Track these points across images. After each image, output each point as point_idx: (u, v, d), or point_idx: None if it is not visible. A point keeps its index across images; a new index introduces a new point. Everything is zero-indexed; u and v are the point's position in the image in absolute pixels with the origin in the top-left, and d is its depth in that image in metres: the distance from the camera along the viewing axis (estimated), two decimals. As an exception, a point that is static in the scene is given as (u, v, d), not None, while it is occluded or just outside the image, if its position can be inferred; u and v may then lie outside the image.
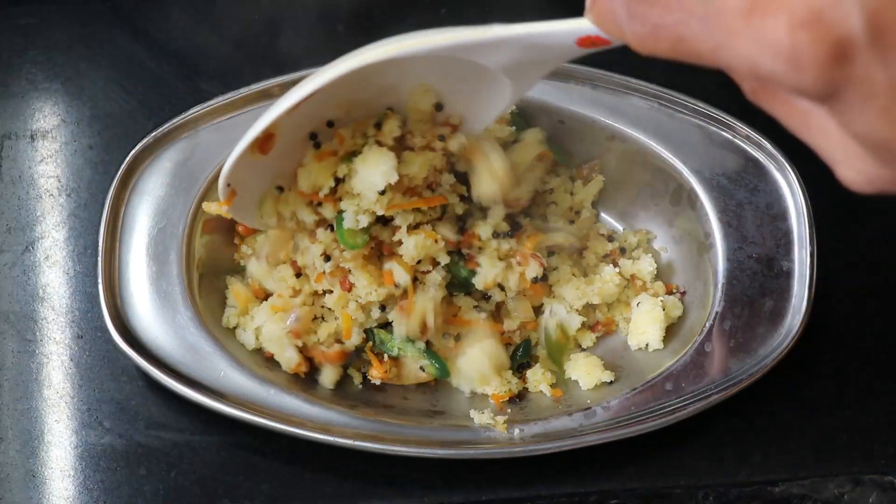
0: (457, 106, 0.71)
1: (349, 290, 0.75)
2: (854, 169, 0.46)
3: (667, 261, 0.83)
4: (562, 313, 0.79)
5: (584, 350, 0.81)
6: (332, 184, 0.71)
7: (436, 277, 0.75)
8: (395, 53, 0.61)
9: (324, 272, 0.75)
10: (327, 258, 0.75)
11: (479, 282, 0.76)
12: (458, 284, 0.77)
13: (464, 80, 0.67)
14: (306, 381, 0.78)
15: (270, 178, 0.73)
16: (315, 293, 0.78)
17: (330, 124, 0.72)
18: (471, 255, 0.76)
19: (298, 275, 0.78)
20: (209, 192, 0.79)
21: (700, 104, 0.81)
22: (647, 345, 0.79)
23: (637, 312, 0.80)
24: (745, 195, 0.80)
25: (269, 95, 0.81)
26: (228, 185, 0.70)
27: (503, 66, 0.64)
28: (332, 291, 0.76)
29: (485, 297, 0.79)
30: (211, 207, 0.73)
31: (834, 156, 0.46)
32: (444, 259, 0.75)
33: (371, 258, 0.75)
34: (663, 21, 0.45)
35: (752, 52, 0.41)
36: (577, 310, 0.79)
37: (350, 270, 0.75)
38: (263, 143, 0.69)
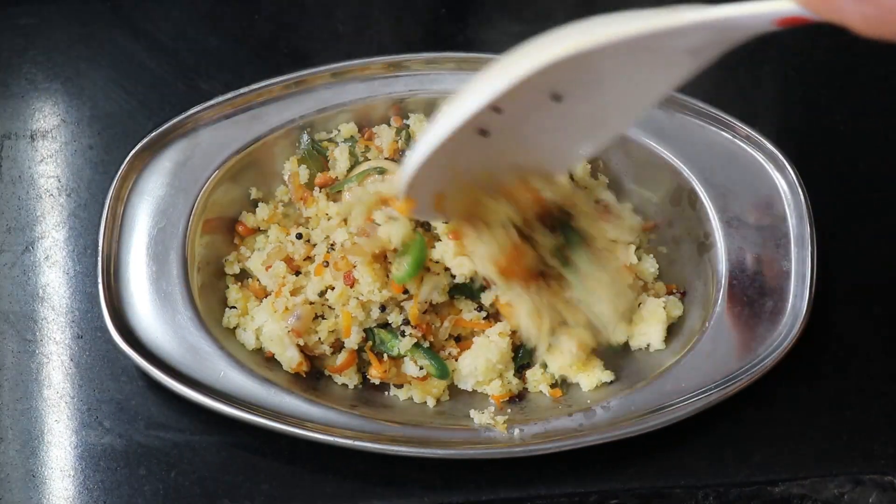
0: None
1: (351, 286, 0.75)
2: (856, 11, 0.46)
3: (667, 261, 0.83)
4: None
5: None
6: None
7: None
8: (597, 43, 0.56)
9: (325, 265, 0.75)
10: (332, 246, 0.75)
11: (488, 298, 0.77)
12: (460, 288, 0.77)
13: (639, 66, 0.63)
14: (306, 381, 0.78)
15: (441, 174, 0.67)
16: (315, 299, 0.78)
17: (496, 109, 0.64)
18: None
19: (298, 272, 0.78)
20: (209, 191, 0.80)
21: (700, 104, 0.82)
22: (648, 345, 0.79)
23: (638, 313, 0.80)
24: (745, 195, 0.80)
25: (270, 95, 0.81)
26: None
27: (688, 48, 0.62)
28: (333, 288, 0.76)
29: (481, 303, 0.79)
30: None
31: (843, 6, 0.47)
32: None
33: (378, 257, 0.75)
34: None
35: None
36: None
37: (355, 266, 0.75)
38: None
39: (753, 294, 0.78)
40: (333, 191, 0.80)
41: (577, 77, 0.60)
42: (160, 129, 0.80)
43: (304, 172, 0.81)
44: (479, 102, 0.58)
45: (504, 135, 0.65)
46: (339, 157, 0.81)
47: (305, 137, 0.82)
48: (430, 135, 0.61)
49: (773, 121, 0.85)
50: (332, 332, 0.77)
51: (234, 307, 0.79)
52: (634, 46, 0.58)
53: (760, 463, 0.78)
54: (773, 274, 0.79)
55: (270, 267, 0.78)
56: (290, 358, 0.76)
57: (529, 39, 0.58)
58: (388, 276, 0.75)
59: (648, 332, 0.79)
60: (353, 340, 0.76)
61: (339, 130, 0.83)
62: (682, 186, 0.81)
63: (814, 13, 0.51)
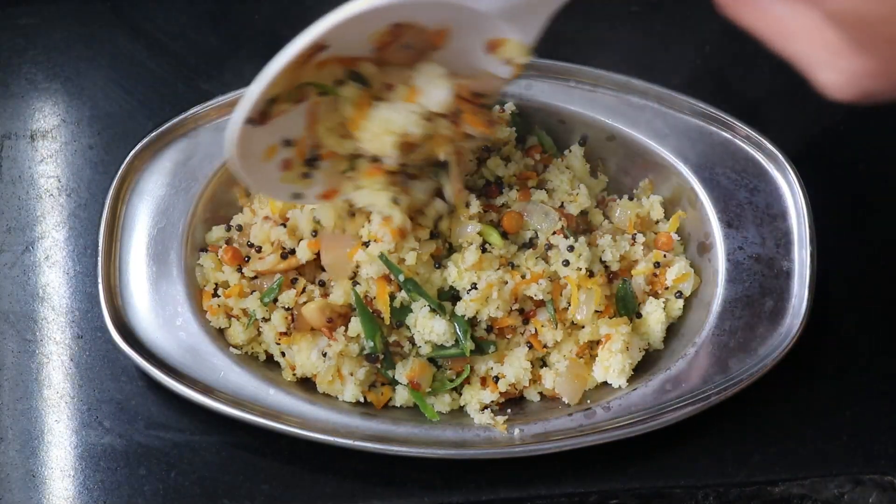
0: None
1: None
2: (836, 69, 0.45)
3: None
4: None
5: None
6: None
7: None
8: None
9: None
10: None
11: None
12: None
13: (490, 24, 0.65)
14: (306, 381, 0.78)
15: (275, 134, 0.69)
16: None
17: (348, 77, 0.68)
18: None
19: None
20: (210, 191, 0.80)
21: (700, 104, 0.81)
22: (648, 345, 0.79)
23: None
24: (745, 195, 0.80)
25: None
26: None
27: (499, 8, 0.62)
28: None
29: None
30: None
31: (813, 59, 0.46)
32: None
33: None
34: None
35: None
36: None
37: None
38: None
39: (753, 294, 0.78)
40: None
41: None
42: (160, 129, 0.79)
43: None
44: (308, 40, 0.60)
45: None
46: None
47: None
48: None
49: (773, 121, 0.85)
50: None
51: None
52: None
53: (760, 463, 0.78)
54: (773, 274, 0.79)
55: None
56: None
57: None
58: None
59: (648, 332, 0.79)
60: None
61: None
62: (682, 186, 0.81)
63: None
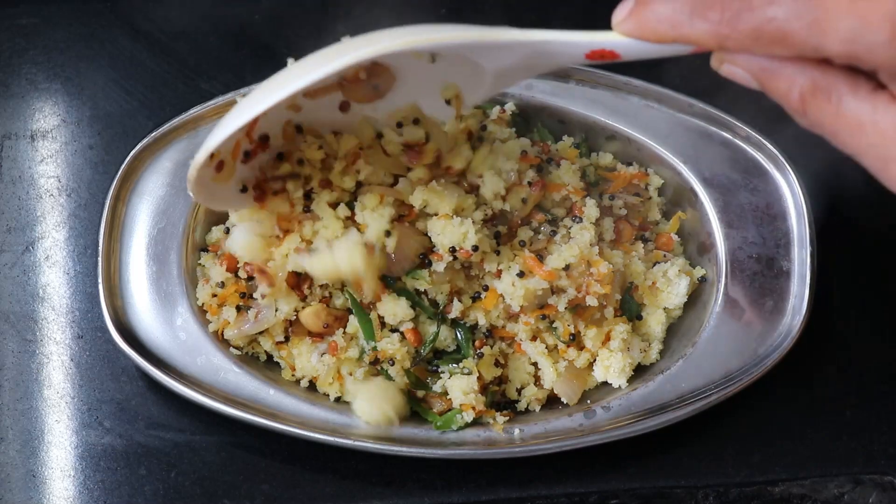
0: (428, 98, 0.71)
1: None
2: None
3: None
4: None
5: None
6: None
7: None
8: (413, 45, 0.60)
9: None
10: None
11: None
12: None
13: (447, 76, 0.68)
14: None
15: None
16: None
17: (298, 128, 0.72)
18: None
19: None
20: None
21: (700, 104, 0.81)
22: (648, 345, 0.79)
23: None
24: (745, 195, 0.80)
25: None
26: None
27: (499, 67, 0.64)
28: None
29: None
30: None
31: (888, 153, 0.49)
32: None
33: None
34: (748, 4, 0.47)
35: (853, 25, 0.44)
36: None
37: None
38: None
39: (753, 294, 0.78)
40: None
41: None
42: (160, 130, 0.80)
43: None
44: (297, 86, 0.60)
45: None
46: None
47: None
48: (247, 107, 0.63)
49: (773, 121, 0.85)
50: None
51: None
52: (453, 56, 0.63)
53: (760, 463, 0.78)
54: (773, 274, 0.79)
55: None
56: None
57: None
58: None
59: (649, 332, 0.79)
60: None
61: None
62: (682, 186, 0.81)
63: (649, 40, 0.53)
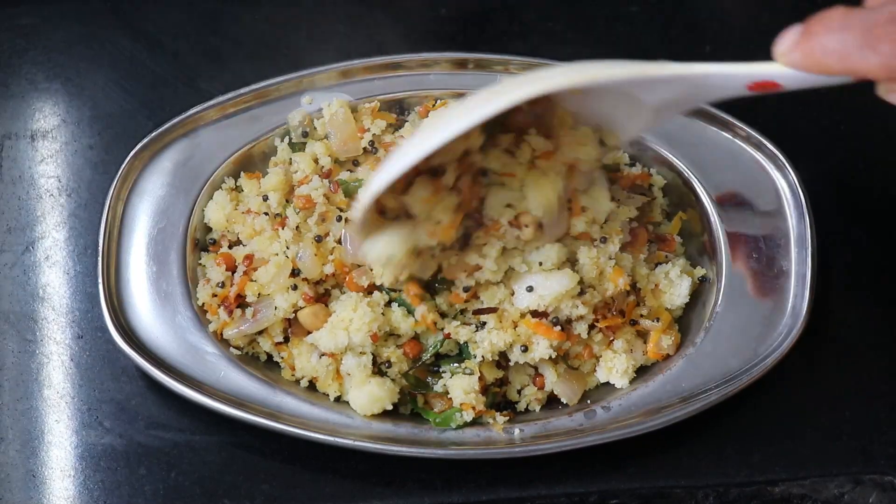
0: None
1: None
2: None
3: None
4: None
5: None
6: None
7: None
8: (579, 82, 0.59)
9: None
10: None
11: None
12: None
13: (605, 106, 0.68)
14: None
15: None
16: None
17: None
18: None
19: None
20: (210, 191, 0.80)
21: (700, 104, 0.81)
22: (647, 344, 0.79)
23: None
24: (745, 195, 0.80)
25: (269, 95, 0.81)
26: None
27: (658, 101, 0.64)
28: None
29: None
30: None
31: None
32: None
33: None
34: None
35: None
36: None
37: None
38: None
39: (754, 294, 0.78)
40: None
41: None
42: (160, 130, 0.80)
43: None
44: (471, 122, 0.59)
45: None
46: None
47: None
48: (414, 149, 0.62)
49: (773, 121, 0.85)
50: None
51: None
52: (613, 90, 0.62)
53: (760, 463, 0.78)
54: (773, 274, 0.79)
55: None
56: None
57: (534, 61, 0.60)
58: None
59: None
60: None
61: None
62: (682, 186, 0.81)
63: (812, 72, 0.53)
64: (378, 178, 0.63)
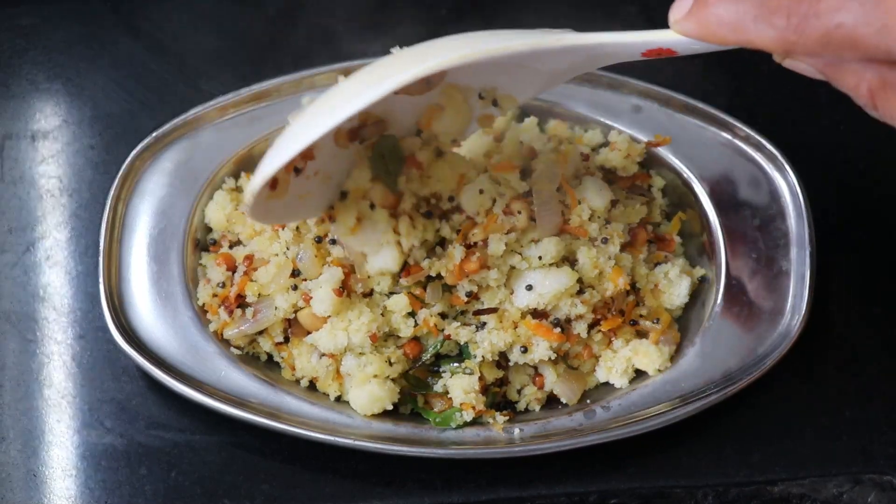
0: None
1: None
2: None
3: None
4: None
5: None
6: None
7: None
8: (474, 57, 0.58)
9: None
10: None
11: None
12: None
13: (500, 71, 0.67)
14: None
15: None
16: None
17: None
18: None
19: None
20: (211, 191, 0.80)
21: (700, 104, 0.82)
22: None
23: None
24: (745, 195, 0.80)
25: (270, 95, 0.81)
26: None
27: (554, 68, 0.64)
28: None
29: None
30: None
31: None
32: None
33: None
34: (815, 9, 0.46)
35: None
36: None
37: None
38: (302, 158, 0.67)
39: (753, 294, 0.78)
40: None
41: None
42: (161, 130, 0.80)
43: None
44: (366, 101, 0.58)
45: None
46: None
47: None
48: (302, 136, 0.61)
49: (773, 121, 0.85)
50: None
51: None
52: (509, 62, 0.62)
53: (760, 462, 0.78)
54: (773, 274, 0.79)
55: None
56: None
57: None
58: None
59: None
60: None
61: None
62: (682, 186, 0.81)
63: (708, 41, 0.52)
64: (267, 164, 0.62)
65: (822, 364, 0.81)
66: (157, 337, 0.76)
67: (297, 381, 0.77)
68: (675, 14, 0.53)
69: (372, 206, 0.71)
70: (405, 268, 0.72)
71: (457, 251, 0.71)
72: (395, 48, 0.64)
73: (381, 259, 0.71)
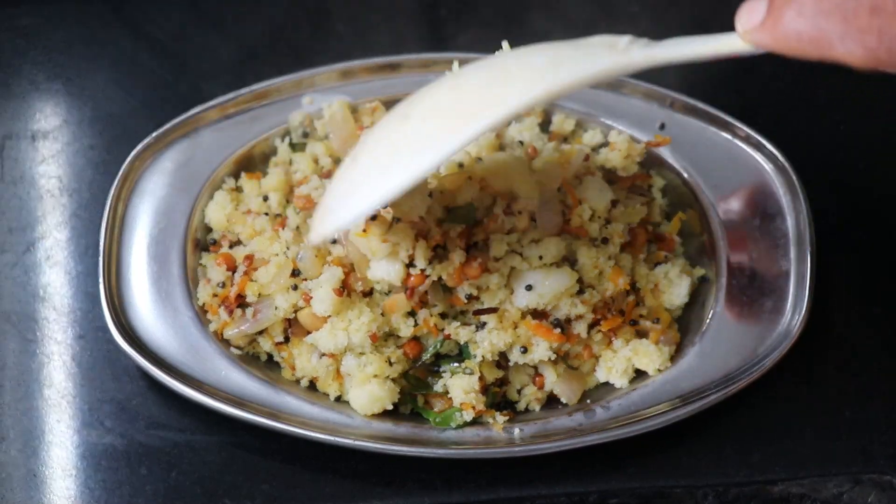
0: None
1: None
2: None
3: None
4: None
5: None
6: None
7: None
8: (559, 89, 0.56)
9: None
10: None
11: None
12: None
13: None
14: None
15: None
16: None
17: None
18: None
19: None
20: (210, 191, 0.80)
21: (700, 104, 0.82)
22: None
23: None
24: (745, 195, 0.80)
25: (270, 95, 0.81)
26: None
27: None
28: None
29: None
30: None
31: None
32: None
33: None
34: None
35: None
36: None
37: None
38: None
39: (753, 294, 0.78)
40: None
41: None
42: (161, 130, 0.80)
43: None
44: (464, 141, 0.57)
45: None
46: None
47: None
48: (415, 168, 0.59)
49: (773, 121, 0.85)
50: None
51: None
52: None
53: (760, 462, 0.78)
54: (773, 274, 0.79)
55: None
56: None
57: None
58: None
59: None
60: None
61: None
62: (682, 186, 0.81)
63: (784, 53, 0.50)
64: (376, 195, 0.60)
65: (822, 364, 0.81)
66: (157, 337, 0.76)
67: (297, 381, 0.77)
68: (744, 23, 0.51)
69: (396, 220, 0.71)
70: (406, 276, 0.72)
71: (457, 255, 0.71)
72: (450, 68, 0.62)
73: (384, 270, 0.71)
